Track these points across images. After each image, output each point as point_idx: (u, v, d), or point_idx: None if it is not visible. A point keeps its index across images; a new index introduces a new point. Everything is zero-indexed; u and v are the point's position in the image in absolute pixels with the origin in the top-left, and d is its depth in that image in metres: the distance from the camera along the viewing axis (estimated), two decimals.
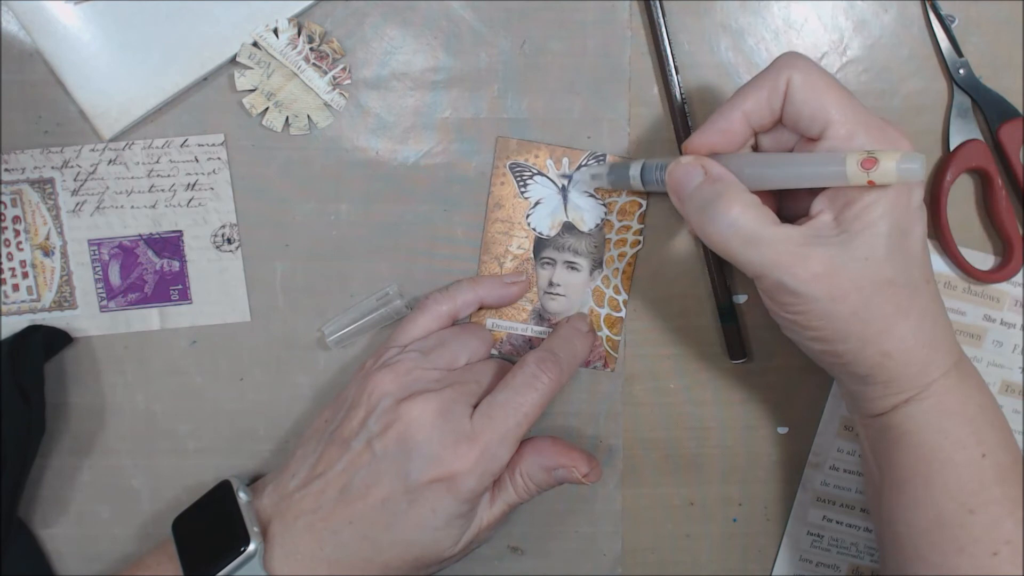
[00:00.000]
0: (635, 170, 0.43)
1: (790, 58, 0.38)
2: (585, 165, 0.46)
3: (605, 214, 0.47)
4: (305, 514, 0.40)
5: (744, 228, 0.37)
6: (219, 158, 0.46)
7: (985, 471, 0.38)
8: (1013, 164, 0.46)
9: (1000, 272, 0.47)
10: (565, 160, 0.46)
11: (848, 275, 0.36)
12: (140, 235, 0.46)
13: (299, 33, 0.45)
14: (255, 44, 0.45)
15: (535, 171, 0.47)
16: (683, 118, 0.45)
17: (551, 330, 0.47)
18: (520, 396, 0.41)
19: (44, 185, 0.46)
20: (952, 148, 0.47)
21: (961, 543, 0.38)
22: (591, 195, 0.47)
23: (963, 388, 0.39)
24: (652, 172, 0.42)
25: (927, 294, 0.38)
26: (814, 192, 0.39)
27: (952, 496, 0.38)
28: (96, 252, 0.46)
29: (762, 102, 0.38)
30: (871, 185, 0.35)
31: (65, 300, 0.46)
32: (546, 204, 0.47)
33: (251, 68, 0.45)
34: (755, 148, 0.42)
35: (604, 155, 0.46)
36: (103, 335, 0.47)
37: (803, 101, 0.37)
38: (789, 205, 0.42)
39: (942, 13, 0.46)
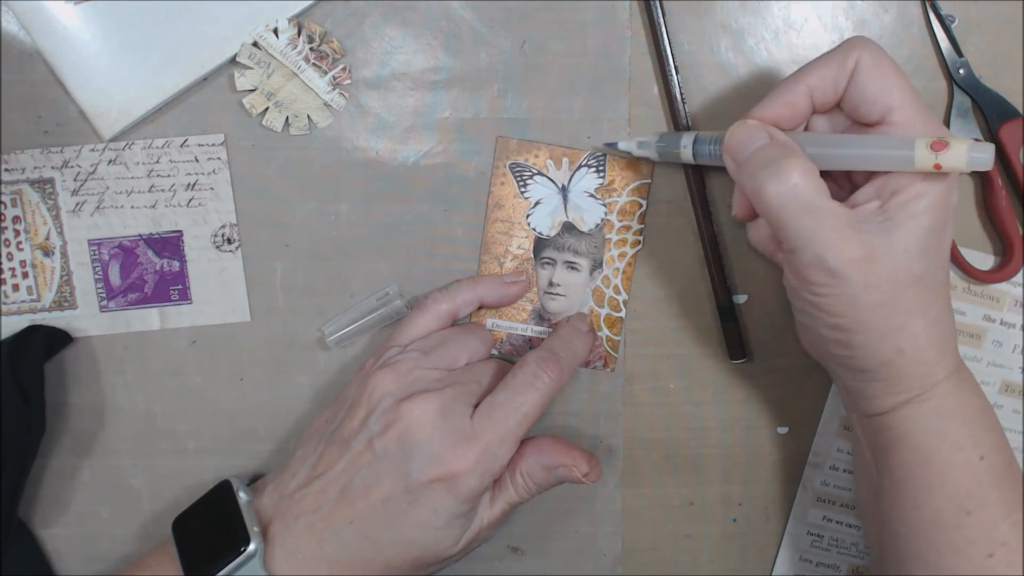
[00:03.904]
0: (687, 140, 0.43)
1: (860, 39, 0.38)
2: (585, 165, 0.46)
3: (605, 214, 0.47)
4: (305, 514, 0.40)
5: (803, 193, 0.36)
6: (219, 158, 0.46)
7: (982, 473, 0.38)
8: (1013, 164, 0.46)
9: (1000, 272, 0.47)
10: (565, 160, 0.46)
11: (885, 264, 0.36)
12: (140, 235, 0.46)
13: (299, 33, 0.45)
14: (255, 44, 0.45)
15: (535, 171, 0.47)
16: (683, 118, 0.45)
17: (551, 330, 0.47)
18: (520, 396, 0.41)
19: (44, 185, 0.46)
20: None
21: (957, 544, 0.38)
22: (591, 195, 0.47)
23: (963, 392, 0.39)
24: (705, 145, 0.42)
25: (944, 296, 0.38)
26: (855, 181, 0.38)
27: (949, 497, 0.38)
28: (96, 252, 0.46)
29: (828, 79, 0.38)
30: (937, 169, 0.35)
31: (65, 300, 0.46)
32: (546, 204, 0.47)
33: (251, 68, 0.45)
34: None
35: (604, 155, 0.46)
36: (103, 335, 0.47)
37: (869, 82, 0.37)
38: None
39: (942, 13, 0.46)
